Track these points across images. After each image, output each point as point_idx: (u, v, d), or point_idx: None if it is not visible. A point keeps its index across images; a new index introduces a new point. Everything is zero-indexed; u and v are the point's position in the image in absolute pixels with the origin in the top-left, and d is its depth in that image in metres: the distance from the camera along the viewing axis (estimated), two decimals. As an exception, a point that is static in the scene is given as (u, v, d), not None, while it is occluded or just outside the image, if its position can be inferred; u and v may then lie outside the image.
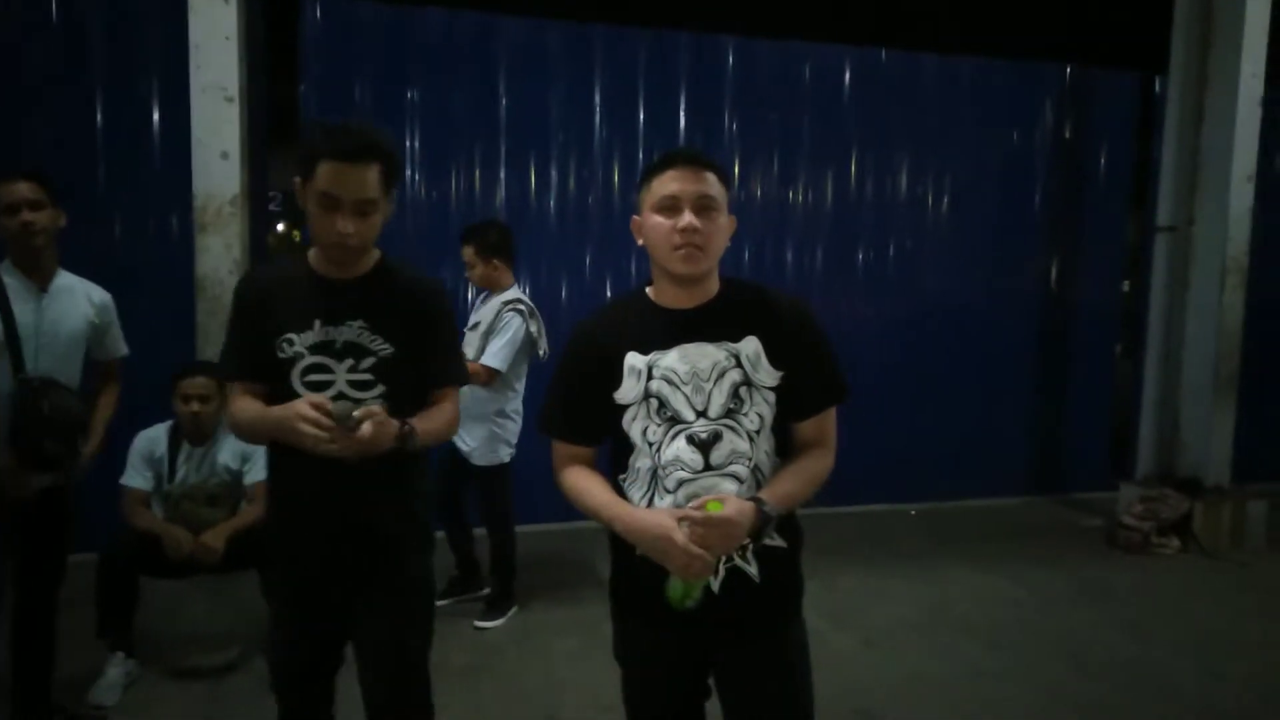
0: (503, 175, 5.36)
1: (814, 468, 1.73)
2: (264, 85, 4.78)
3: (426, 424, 1.94)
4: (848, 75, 5.91)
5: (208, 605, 3.59)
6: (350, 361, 1.91)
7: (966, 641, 3.88)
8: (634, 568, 1.70)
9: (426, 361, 2.01)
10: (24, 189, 2.67)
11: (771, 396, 1.69)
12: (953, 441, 6.14)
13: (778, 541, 1.72)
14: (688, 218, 1.64)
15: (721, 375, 1.67)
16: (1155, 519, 5.22)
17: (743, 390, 1.67)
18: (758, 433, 1.68)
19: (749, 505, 1.58)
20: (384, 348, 1.93)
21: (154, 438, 3.47)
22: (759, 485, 1.68)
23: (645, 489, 1.70)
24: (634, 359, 1.70)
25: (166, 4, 4.30)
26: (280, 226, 14.21)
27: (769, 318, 1.72)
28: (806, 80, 5.85)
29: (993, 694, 3.40)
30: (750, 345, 1.69)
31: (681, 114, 5.65)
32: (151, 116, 4.58)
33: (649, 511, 1.64)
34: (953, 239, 6.18)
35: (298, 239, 12.88)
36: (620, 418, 1.71)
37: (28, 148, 4.41)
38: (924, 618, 4.13)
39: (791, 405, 1.72)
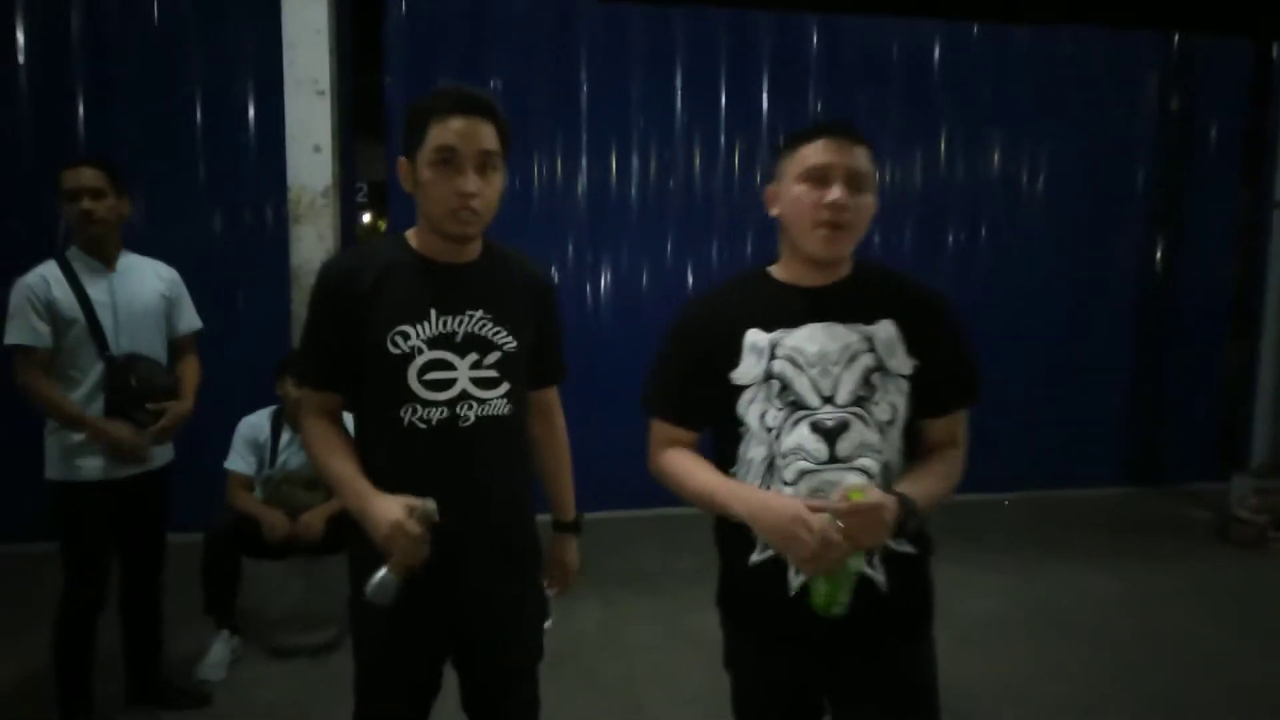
0: (584, 162, 5.35)
1: (951, 470, 1.60)
2: (351, 78, 4.87)
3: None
4: (937, 51, 5.71)
5: (305, 586, 3.69)
6: (474, 356, 1.70)
7: (1063, 640, 3.74)
8: (746, 576, 1.58)
9: (543, 357, 1.86)
10: (87, 176, 2.69)
11: (906, 386, 1.55)
12: (1050, 428, 5.91)
13: (907, 547, 1.57)
14: (837, 191, 1.50)
15: (853, 359, 1.53)
16: (1272, 512, 4.94)
17: (875, 377, 1.53)
18: (889, 424, 1.54)
19: (892, 497, 1.44)
20: (508, 340, 1.74)
21: (257, 424, 3.58)
22: (888, 486, 1.52)
23: (760, 481, 1.56)
24: (755, 336, 1.56)
25: (260, 1, 4.42)
26: (366, 218, 14.57)
27: (906, 302, 1.59)
28: (894, 57, 5.68)
29: (1089, 698, 3.25)
30: (885, 329, 1.55)
31: (764, 95, 5.55)
32: (247, 112, 4.72)
33: (776, 493, 1.50)
34: (1049, 218, 5.93)
35: (383, 229, 13.15)
36: (735, 401, 1.57)
37: (128, 145, 4.58)
38: (1018, 614, 3.98)
39: (925, 400, 1.58)
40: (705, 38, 5.42)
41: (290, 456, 3.53)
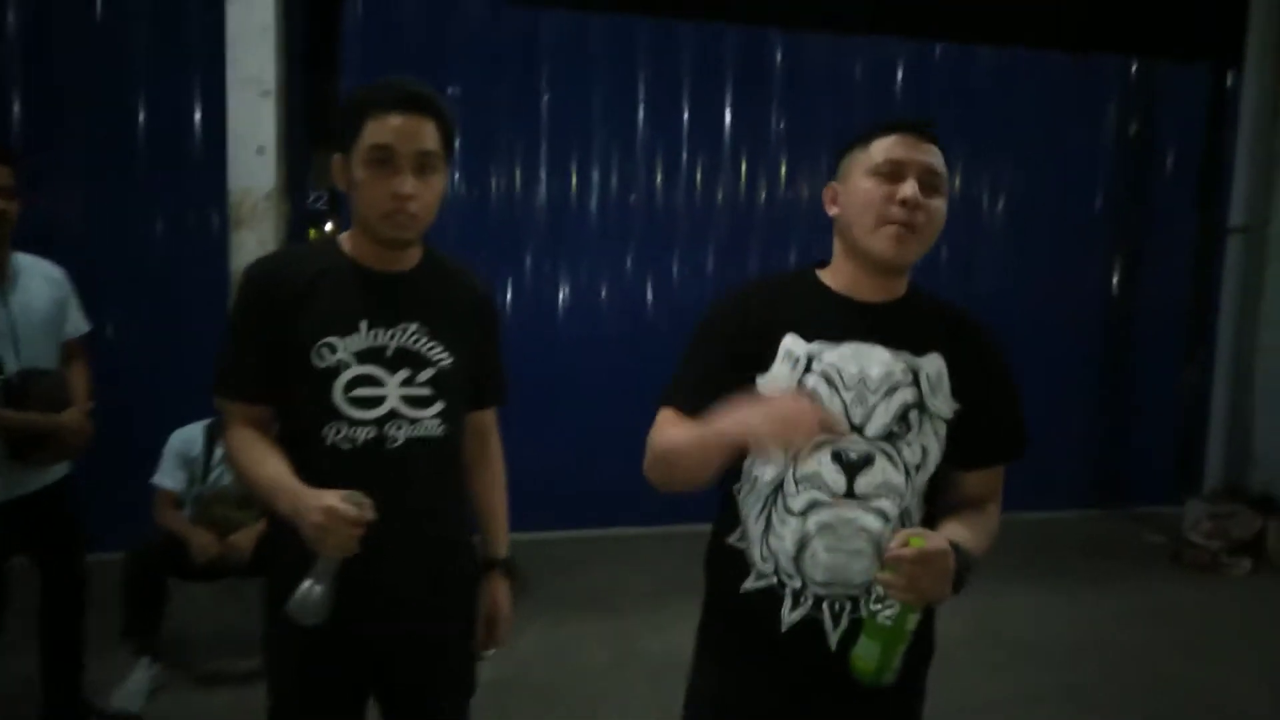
0: (543, 173, 5.25)
1: (993, 528, 1.47)
2: (304, 79, 4.73)
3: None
4: (900, 70, 5.71)
5: (236, 609, 3.52)
6: (406, 372, 1.59)
7: (1020, 662, 3.70)
8: (736, 607, 1.46)
9: (482, 375, 1.74)
10: (2, 174, 2.44)
11: (944, 430, 1.43)
12: (1007, 451, 5.89)
13: None
14: (912, 188, 1.37)
15: (893, 390, 1.40)
16: (1225, 538, 4.95)
17: (913, 414, 1.41)
18: (918, 469, 1.41)
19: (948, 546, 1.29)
20: (444, 356, 1.62)
21: (189, 437, 3.41)
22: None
23: (761, 506, 1.44)
24: (793, 342, 1.42)
25: (207, -2, 4.27)
26: (329, 226, 14.26)
27: (959, 338, 1.46)
28: (857, 76, 5.65)
29: (1049, 721, 3.20)
30: (933, 364, 1.43)
31: (728, 110, 5.49)
32: (193, 112, 4.55)
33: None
34: (1009, 240, 5.93)
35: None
36: None
37: (68, 144, 4.40)
38: (976, 636, 3.92)
39: (961, 449, 1.46)
40: (669, 50, 5.36)
41: (223, 473, 3.35)
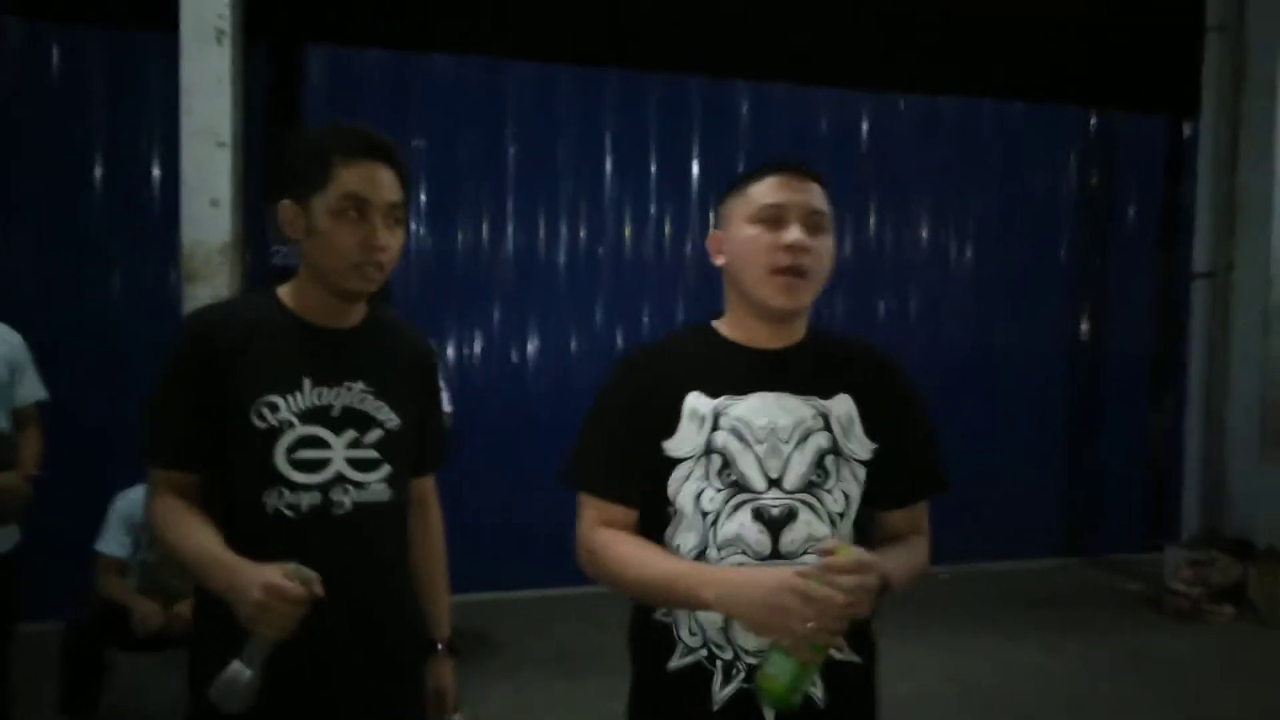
0: (510, 226, 5.21)
1: (921, 555, 1.43)
2: (264, 132, 4.67)
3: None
4: (865, 122, 5.76)
5: (177, 681, 3.33)
6: (352, 433, 1.48)
7: (992, 716, 3.59)
8: (664, 685, 1.37)
9: (425, 438, 1.64)
10: None
11: (862, 473, 1.38)
12: (979, 501, 5.82)
13: (849, 655, 1.37)
14: (795, 232, 1.33)
15: (806, 437, 1.35)
16: (1205, 584, 4.88)
17: (829, 460, 1.35)
18: (841, 516, 1.35)
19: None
20: (390, 417, 1.52)
21: (135, 499, 3.24)
22: None
23: None
24: (697, 400, 1.35)
25: (167, 48, 4.19)
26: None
27: (866, 375, 1.42)
28: (823, 127, 5.71)
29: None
30: (843, 405, 1.38)
31: (695, 161, 5.50)
32: (150, 165, 4.47)
33: (756, 568, 1.28)
34: (975, 289, 5.96)
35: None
36: (667, 476, 1.35)
37: (23, 197, 4.31)
38: (949, 691, 3.82)
39: (882, 489, 1.40)
40: (636, 102, 5.38)
41: (171, 536, 3.20)
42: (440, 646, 1.69)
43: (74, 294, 4.39)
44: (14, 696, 2.71)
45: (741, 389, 1.36)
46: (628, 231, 5.40)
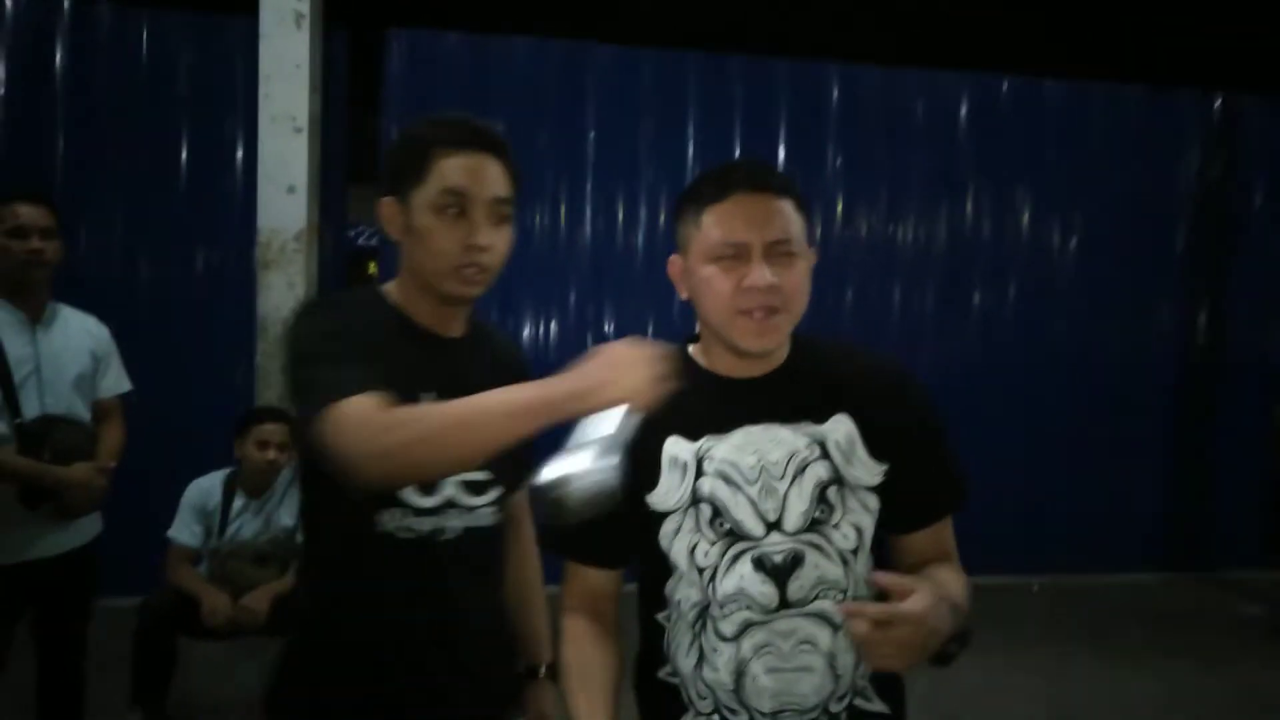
0: (589, 212, 5.09)
1: (960, 581, 1.24)
2: (345, 117, 4.64)
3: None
4: (964, 106, 5.44)
5: (251, 670, 3.33)
6: None
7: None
8: None
9: (524, 455, 1.49)
10: (38, 214, 2.42)
11: (873, 501, 1.23)
12: (1084, 506, 5.48)
13: (876, 704, 1.25)
14: (760, 272, 1.16)
15: (802, 470, 1.21)
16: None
17: (831, 492, 1.21)
18: (854, 553, 1.22)
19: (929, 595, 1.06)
20: None
21: (207, 488, 3.25)
22: None
23: (690, 634, 1.23)
24: (677, 447, 1.23)
25: (251, 32, 4.19)
26: (373, 267, 14.08)
27: (865, 390, 1.25)
28: (919, 111, 5.40)
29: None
30: (840, 428, 1.23)
31: (781, 146, 5.28)
32: (235, 151, 4.47)
33: None
34: (1082, 284, 5.58)
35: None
36: (657, 531, 1.23)
37: (108, 182, 4.34)
38: (1050, 721, 3.55)
39: (899, 513, 1.26)
40: (720, 84, 5.18)
41: (242, 526, 3.19)
42: (542, 671, 1.59)
43: (157, 280, 4.42)
44: (84, 685, 2.70)
45: (723, 426, 1.23)
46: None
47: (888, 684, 1.27)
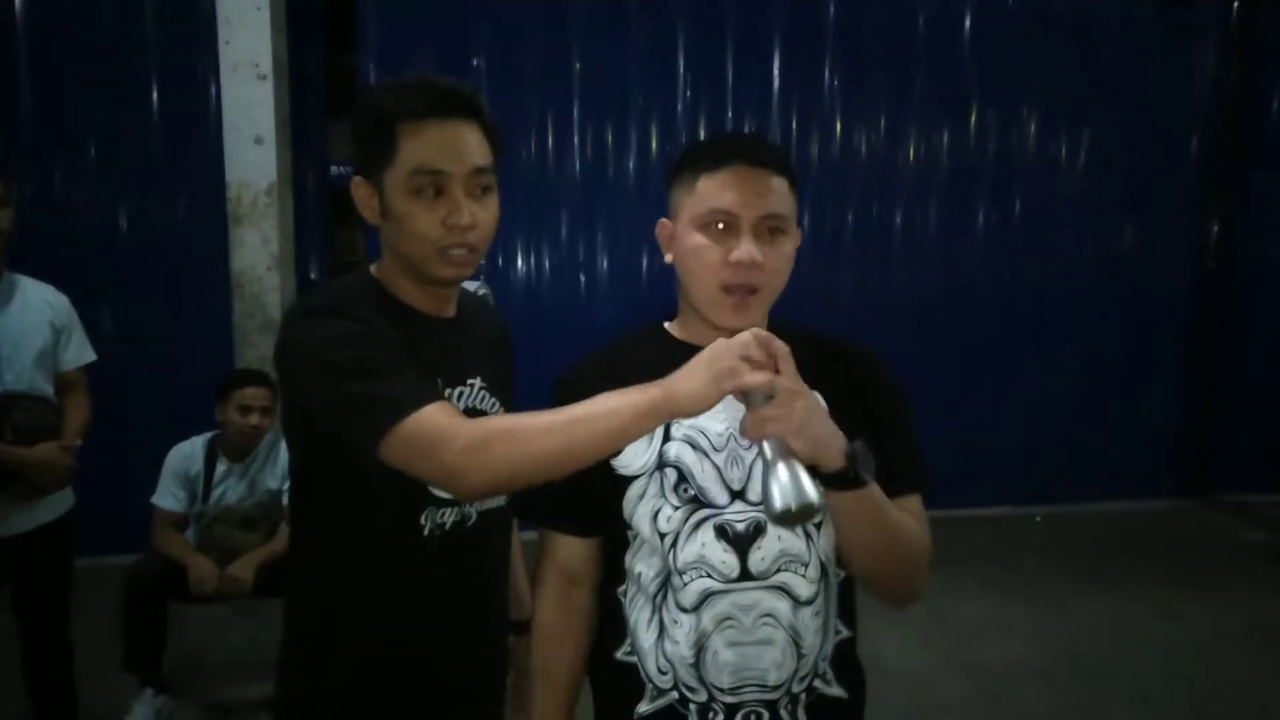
0: (576, 142, 4.93)
1: (912, 529, 1.20)
2: (320, 58, 4.46)
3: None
4: (968, 19, 5.18)
5: (246, 629, 3.35)
6: None
7: (1104, 694, 3.29)
8: None
9: None
10: None
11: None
12: (1088, 433, 5.41)
13: (835, 689, 1.23)
14: (747, 247, 1.16)
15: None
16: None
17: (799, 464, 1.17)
18: (818, 527, 1.21)
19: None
20: (501, 412, 1.39)
21: (189, 453, 3.21)
22: (824, 612, 1.21)
23: (650, 606, 1.22)
24: None
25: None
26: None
27: (835, 370, 1.25)
28: (919, 26, 5.17)
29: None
30: None
31: (775, 67, 5.08)
32: (206, 100, 4.30)
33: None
34: (1090, 200, 5.41)
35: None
36: (621, 496, 1.23)
37: (73, 134, 4.21)
38: (1053, 661, 3.53)
39: None
40: (710, 4, 4.95)
41: (227, 491, 3.16)
42: (524, 628, 1.56)
43: (131, 237, 4.32)
44: (72, 655, 2.71)
45: None
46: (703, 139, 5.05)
47: (848, 668, 1.27)
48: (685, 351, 1.20)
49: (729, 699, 1.20)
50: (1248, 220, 5.55)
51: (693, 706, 1.21)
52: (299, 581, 1.41)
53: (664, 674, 1.23)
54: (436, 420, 1.11)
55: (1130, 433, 5.49)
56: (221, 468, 3.18)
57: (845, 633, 1.27)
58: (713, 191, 1.18)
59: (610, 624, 1.30)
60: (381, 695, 1.33)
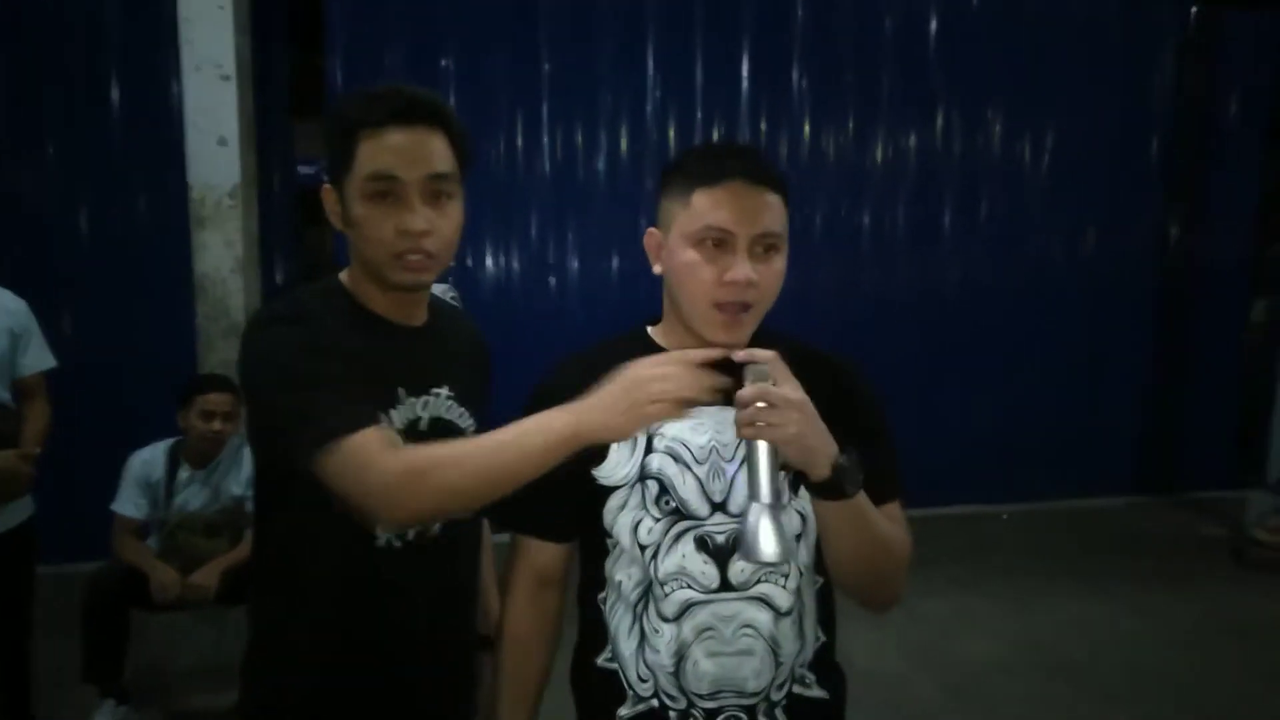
0: (545, 143, 4.90)
1: (895, 533, 1.21)
2: (285, 58, 4.40)
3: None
4: (933, 19, 5.22)
5: (211, 637, 3.30)
6: None
7: (1071, 690, 3.33)
8: None
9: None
10: None
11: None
12: (1053, 431, 5.47)
13: (816, 690, 1.25)
14: (742, 267, 1.15)
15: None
16: (1293, 534, 4.52)
17: (781, 477, 1.15)
18: (798, 539, 1.21)
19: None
20: (470, 423, 1.38)
21: (150, 459, 3.15)
22: (802, 621, 1.22)
23: (630, 615, 1.23)
24: None
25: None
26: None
27: (818, 380, 1.19)
28: (886, 25, 5.20)
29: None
30: None
31: (745, 65, 5.08)
32: (167, 100, 4.21)
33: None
34: (1054, 199, 5.46)
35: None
36: (601, 506, 1.23)
37: (36, 136, 4.13)
38: (1019, 657, 3.57)
39: None
40: (679, 3, 4.94)
41: (189, 498, 3.10)
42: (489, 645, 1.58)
43: (93, 237, 4.25)
44: (29, 663, 2.65)
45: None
46: (672, 143, 5.03)
47: (827, 671, 1.28)
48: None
49: (708, 704, 1.21)
50: (1208, 221, 5.64)
51: (672, 714, 1.22)
52: (261, 587, 1.41)
53: (644, 681, 1.24)
54: (368, 448, 1.11)
55: (1094, 430, 5.57)
56: (184, 474, 3.12)
57: (824, 638, 1.28)
58: (708, 208, 1.16)
59: (590, 630, 1.30)
60: (341, 703, 1.32)
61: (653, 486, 1.21)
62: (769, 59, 5.08)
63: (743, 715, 1.21)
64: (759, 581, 1.20)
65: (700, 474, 1.21)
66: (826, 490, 1.08)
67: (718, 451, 1.20)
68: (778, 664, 1.21)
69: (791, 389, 1.06)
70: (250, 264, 3.62)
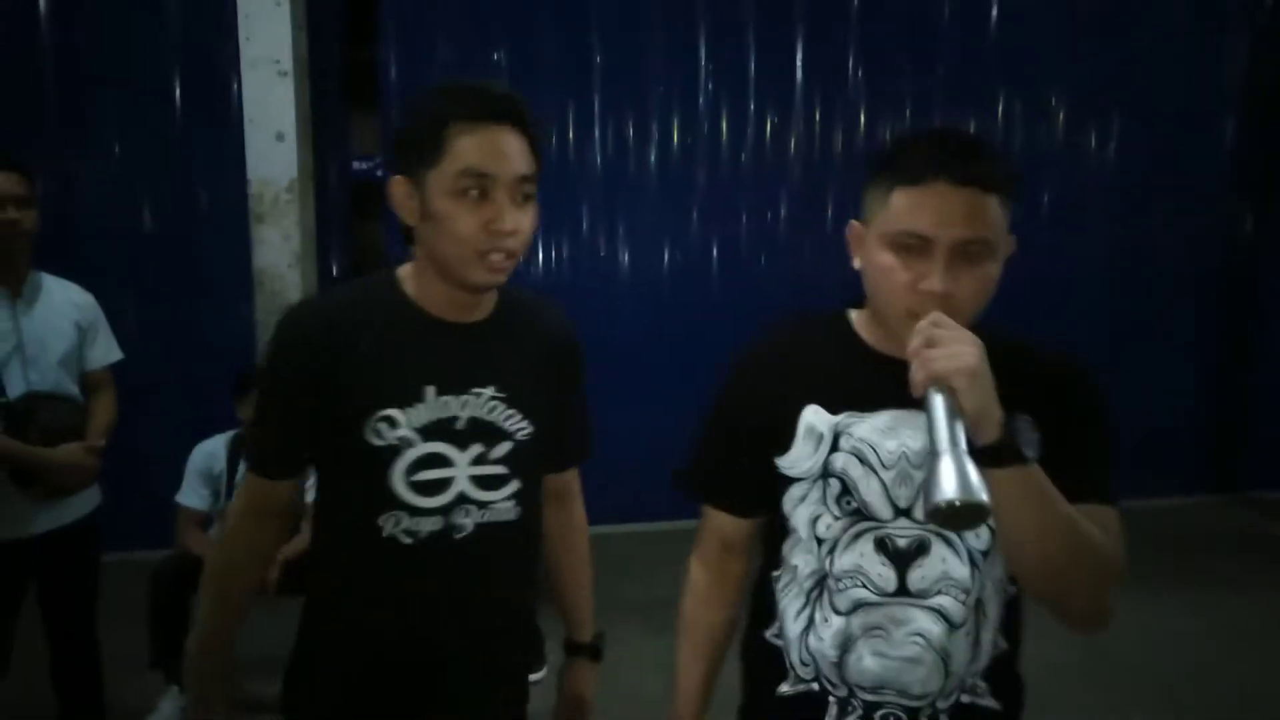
0: (597, 136, 4.89)
1: (1091, 528, 1.05)
2: (340, 53, 4.43)
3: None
4: (994, 7, 5.09)
5: (273, 628, 3.35)
6: (478, 448, 1.32)
7: (1132, 696, 3.25)
8: (775, 710, 1.26)
9: (564, 433, 1.47)
10: (11, 182, 2.30)
11: None
12: (1117, 427, 5.32)
13: (988, 700, 1.20)
14: (938, 278, 1.05)
15: None
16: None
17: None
18: (985, 555, 1.16)
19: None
20: (522, 426, 1.35)
21: (211, 451, 3.22)
22: (978, 635, 1.17)
23: (804, 601, 1.22)
24: (815, 416, 1.19)
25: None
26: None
27: (1035, 389, 1.06)
28: (944, 14, 5.08)
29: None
30: None
31: (799, 56, 5.02)
32: (228, 96, 4.28)
33: None
34: (1119, 192, 5.31)
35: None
36: (783, 494, 1.22)
37: (92, 129, 4.22)
38: (1079, 660, 3.47)
39: None
40: (732, -2, 4.89)
41: (250, 488, 3.16)
42: (583, 653, 1.59)
43: (154, 234, 4.32)
44: (99, 655, 2.72)
45: (869, 405, 1.18)
46: (725, 137, 5.01)
47: (1004, 681, 1.23)
48: (869, 357, 1.21)
49: (869, 697, 1.20)
50: (1277, 212, 5.45)
51: (832, 700, 1.22)
52: (310, 579, 1.45)
53: (805, 665, 1.24)
54: (240, 498, 1.41)
55: (1156, 428, 5.41)
56: (244, 466, 3.18)
57: (1005, 646, 1.22)
58: (907, 209, 1.07)
59: (762, 604, 1.31)
60: (368, 699, 1.34)
61: (835, 485, 1.18)
62: (824, 48, 5.01)
63: (904, 716, 1.19)
64: (939, 593, 1.15)
65: (886, 478, 1.16)
66: (997, 455, 0.96)
67: (907, 458, 1.15)
68: (947, 674, 1.17)
69: (957, 328, 0.99)
70: (307, 258, 3.68)
